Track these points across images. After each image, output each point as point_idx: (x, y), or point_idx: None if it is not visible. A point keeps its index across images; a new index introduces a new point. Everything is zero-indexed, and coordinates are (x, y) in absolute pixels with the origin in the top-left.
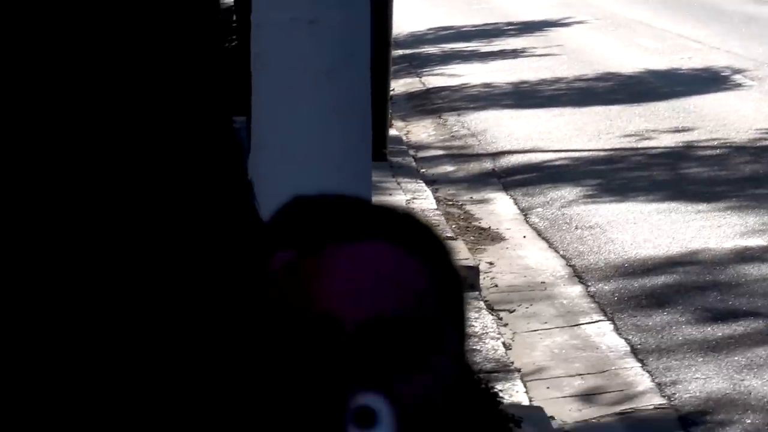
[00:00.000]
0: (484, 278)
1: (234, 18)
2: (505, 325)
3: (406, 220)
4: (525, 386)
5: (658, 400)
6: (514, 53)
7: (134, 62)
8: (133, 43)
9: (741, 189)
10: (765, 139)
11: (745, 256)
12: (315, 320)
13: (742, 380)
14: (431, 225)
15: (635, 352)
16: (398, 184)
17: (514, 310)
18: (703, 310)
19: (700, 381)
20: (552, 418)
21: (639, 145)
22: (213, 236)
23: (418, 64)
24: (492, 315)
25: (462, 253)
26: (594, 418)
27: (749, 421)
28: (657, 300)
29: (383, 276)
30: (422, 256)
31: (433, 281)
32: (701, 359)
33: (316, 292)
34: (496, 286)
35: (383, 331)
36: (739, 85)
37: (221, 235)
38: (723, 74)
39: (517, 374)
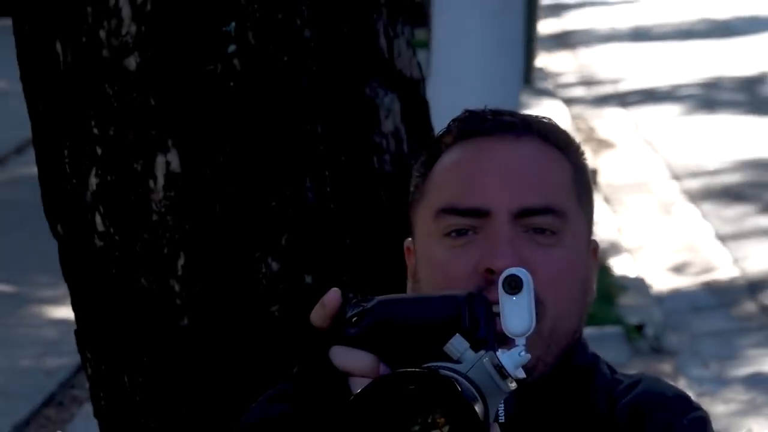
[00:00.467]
0: (601, 178)
1: None
2: (617, 214)
3: (554, 127)
4: (631, 261)
5: (732, 272)
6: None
7: None
8: None
9: None
10: None
11: None
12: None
13: None
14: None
15: (717, 235)
16: (540, 103)
17: (624, 203)
18: None
19: (765, 257)
20: (650, 286)
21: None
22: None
23: (560, 11)
24: (608, 206)
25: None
26: (683, 287)
27: None
28: (735, 194)
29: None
30: (566, 154)
31: (573, 174)
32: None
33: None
34: (610, 184)
35: (530, 216)
36: None
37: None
38: None
39: (625, 252)
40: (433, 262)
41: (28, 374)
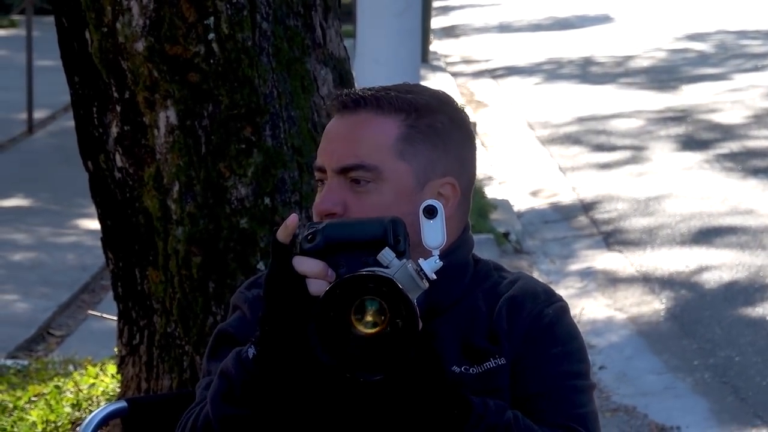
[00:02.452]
0: (478, 129)
1: None
2: (489, 153)
3: (394, 99)
4: (499, 188)
5: (571, 195)
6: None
7: None
8: None
9: None
10: None
11: None
12: None
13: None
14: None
15: (560, 169)
16: (435, 77)
17: (494, 146)
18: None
19: (594, 184)
20: (513, 205)
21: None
22: None
23: (447, 11)
24: (483, 148)
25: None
26: (536, 206)
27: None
28: (573, 140)
29: None
30: (395, 120)
31: (399, 134)
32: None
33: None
34: (486, 133)
35: (347, 172)
36: None
37: None
38: None
39: (495, 181)
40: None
41: (70, 270)
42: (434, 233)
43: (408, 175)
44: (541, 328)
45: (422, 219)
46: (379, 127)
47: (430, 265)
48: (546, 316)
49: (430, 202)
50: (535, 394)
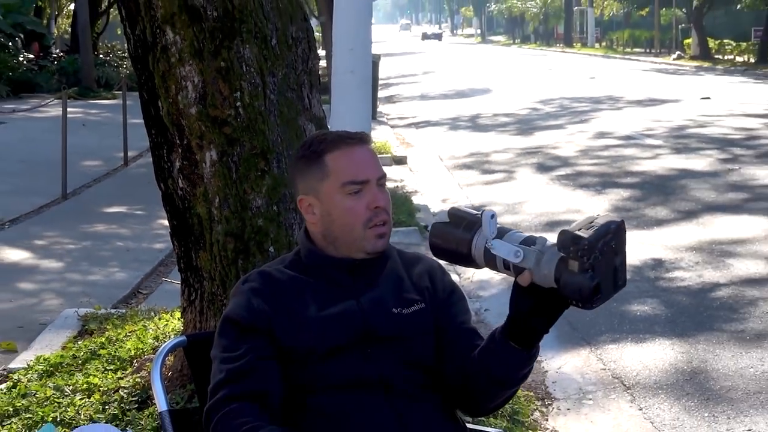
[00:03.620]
0: (408, 160)
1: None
2: (415, 176)
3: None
4: (421, 197)
5: (466, 201)
6: (423, 81)
7: None
8: None
9: None
10: None
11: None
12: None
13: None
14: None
15: (459, 185)
16: (380, 127)
17: (418, 171)
18: None
19: (482, 195)
20: (430, 208)
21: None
22: None
23: (389, 86)
24: (411, 173)
25: (398, 150)
26: (444, 208)
27: None
28: (468, 166)
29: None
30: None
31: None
32: (481, 188)
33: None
34: (413, 163)
35: (381, 179)
36: None
37: None
38: None
39: (418, 193)
40: (345, 208)
41: (152, 251)
42: (491, 228)
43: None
44: (451, 289)
45: (486, 218)
46: (375, 152)
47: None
48: (451, 282)
49: (490, 210)
50: (460, 322)
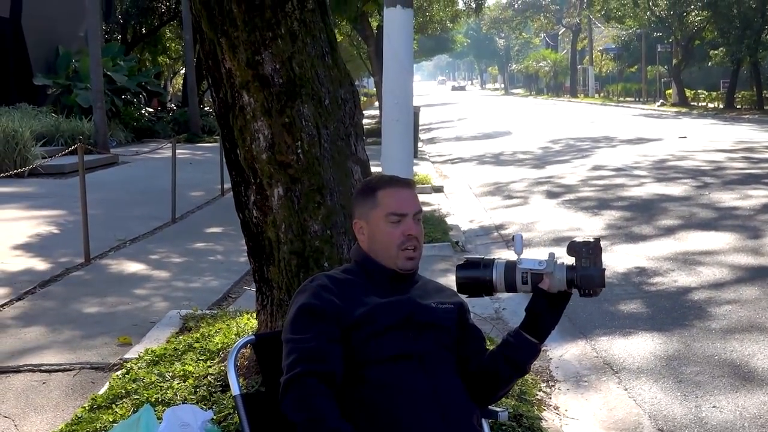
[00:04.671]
0: (444, 189)
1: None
2: (449, 200)
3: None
4: (454, 218)
5: (491, 221)
6: (458, 126)
7: None
8: None
9: None
10: None
11: None
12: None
13: None
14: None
15: (485, 209)
16: (421, 162)
17: (452, 196)
18: None
19: (504, 216)
20: (460, 227)
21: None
22: None
23: (429, 129)
24: (446, 198)
25: (437, 181)
26: (472, 227)
27: None
28: (492, 192)
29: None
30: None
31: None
32: (503, 211)
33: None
34: (448, 191)
35: (417, 214)
36: None
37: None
38: None
39: (452, 215)
40: (386, 232)
41: (239, 263)
42: (519, 246)
43: None
44: (467, 309)
45: (518, 238)
46: (415, 192)
47: (532, 262)
48: (464, 302)
49: (519, 233)
50: (477, 338)
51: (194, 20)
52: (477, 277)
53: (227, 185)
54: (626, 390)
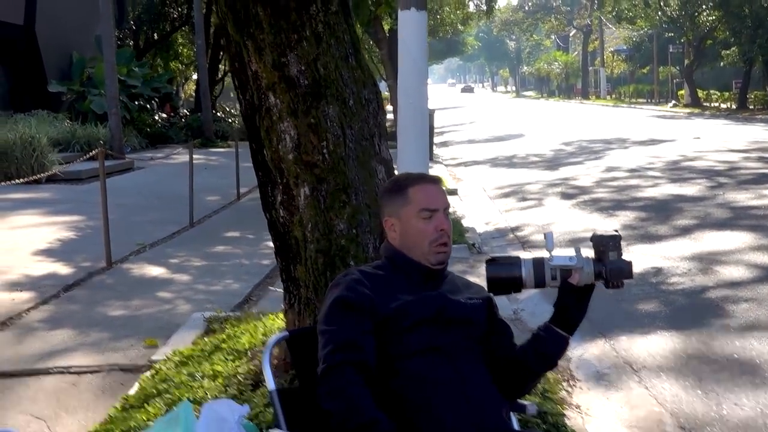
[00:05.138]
0: (459, 191)
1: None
2: (463, 203)
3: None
4: (469, 219)
5: (506, 224)
6: (470, 129)
7: None
8: None
9: None
10: None
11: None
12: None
13: None
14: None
15: (500, 211)
16: (436, 166)
17: (466, 199)
18: None
19: (519, 218)
20: (476, 229)
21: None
22: None
23: (442, 132)
24: (460, 200)
25: (451, 184)
26: (488, 230)
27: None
28: (507, 194)
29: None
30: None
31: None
32: (518, 212)
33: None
34: (462, 193)
35: (446, 209)
36: None
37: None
38: None
39: (467, 216)
40: (418, 228)
41: (260, 266)
42: (550, 243)
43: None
44: (494, 304)
45: (549, 236)
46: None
47: (563, 259)
48: (492, 298)
49: (550, 231)
50: (505, 332)
51: (220, 23)
52: (507, 274)
53: (243, 189)
54: (647, 388)
